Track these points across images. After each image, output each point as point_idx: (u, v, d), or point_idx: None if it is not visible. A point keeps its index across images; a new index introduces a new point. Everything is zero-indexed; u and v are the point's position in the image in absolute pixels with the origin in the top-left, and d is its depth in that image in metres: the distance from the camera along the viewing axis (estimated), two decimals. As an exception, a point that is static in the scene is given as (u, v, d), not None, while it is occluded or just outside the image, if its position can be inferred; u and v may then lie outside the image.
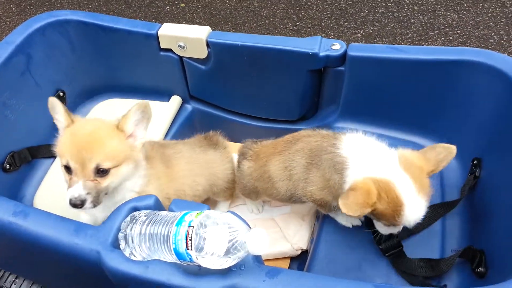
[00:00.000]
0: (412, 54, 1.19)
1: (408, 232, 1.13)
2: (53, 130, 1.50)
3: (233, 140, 1.66)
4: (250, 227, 0.82)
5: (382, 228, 1.01)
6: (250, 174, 1.24)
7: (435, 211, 1.15)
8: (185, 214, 0.84)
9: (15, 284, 1.22)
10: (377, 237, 1.10)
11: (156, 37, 1.36)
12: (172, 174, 1.17)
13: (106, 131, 0.98)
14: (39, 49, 1.36)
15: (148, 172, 1.08)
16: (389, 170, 0.94)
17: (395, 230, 1.01)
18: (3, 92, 1.27)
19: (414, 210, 0.93)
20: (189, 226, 0.80)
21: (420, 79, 1.22)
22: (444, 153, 0.98)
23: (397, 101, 1.29)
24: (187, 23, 2.60)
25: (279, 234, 1.35)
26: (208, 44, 1.35)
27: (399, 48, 1.20)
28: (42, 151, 1.40)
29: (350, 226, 1.17)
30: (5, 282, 1.23)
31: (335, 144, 1.02)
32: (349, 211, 0.88)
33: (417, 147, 1.31)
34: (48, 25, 1.38)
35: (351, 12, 2.60)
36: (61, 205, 1.27)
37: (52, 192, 1.32)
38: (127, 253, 0.87)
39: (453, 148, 0.98)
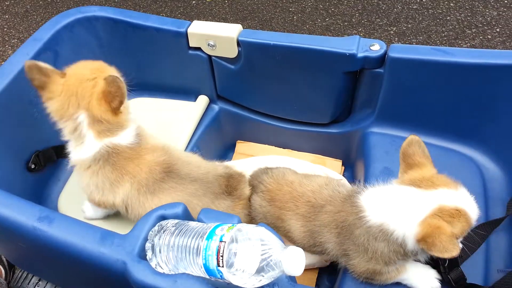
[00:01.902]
0: (460, 57, 1.10)
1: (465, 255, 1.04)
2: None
3: (261, 142, 1.61)
4: (284, 244, 0.77)
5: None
6: (263, 214, 1.13)
7: (485, 229, 1.07)
8: (216, 227, 0.79)
9: (38, 286, 1.21)
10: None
11: (185, 35, 1.32)
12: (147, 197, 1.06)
13: None
14: (66, 46, 1.33)
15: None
16: (422, 199, 0.85)
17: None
18: (29, 90, 1.24)
19: (473, 206, 0.85)
20: (221, 241, 0.75)
21: (467, 84, 1.14)
22: (420, 145, 0.92)
23: (439, 106, 1.21)
24: (214, 18, 2.55)
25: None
26: (239, 43, 1.29)
27: (444, 50, 1.12)
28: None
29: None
30: (28, 283, 1.21)
31: (360, 217, 0.92)
32: (450, 251, 0.78)
33: (459, 155, 1.24)
34: (76, 22, 1.35)
35: (383, 8, 2.50)
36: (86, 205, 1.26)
37: (77, 192, 1.30)
38: (153, 264, 0.83)
39: (414, 137, 0.92)
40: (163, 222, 0.87)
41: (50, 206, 1.31)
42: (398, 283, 0.99)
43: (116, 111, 1.00)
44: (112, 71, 1.05)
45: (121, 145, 1.02)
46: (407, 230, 0.85)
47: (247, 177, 1.23)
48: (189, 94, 1.50)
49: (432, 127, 1.26)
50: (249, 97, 1.47)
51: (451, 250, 0.78)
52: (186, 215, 0.90)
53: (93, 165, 1.03)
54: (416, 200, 0.86)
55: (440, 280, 0.99)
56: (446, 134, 1.25)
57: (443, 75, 1.14)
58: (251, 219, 1.19)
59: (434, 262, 1.00)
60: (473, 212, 0.85)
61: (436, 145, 1.25)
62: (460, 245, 0.85)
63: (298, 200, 1.06)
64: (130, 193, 1.04)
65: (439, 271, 1.00)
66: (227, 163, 1.28)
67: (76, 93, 0.99)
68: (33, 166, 1.27)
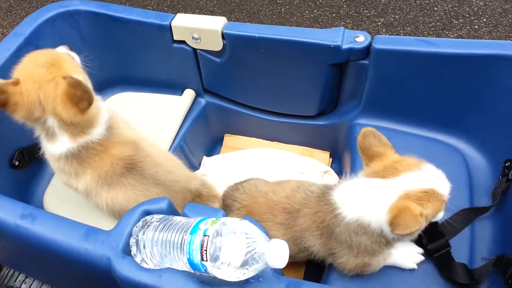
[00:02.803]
0: (444, 48, 1.10)
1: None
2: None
3: (249, 135, 1.60)
4: (269, 237, 0.77)
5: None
6: None
7: (467, 215, 1.08)
8: (200, 221, 0.79)
9: (25, 283, 1.20)
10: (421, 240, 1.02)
11: (169, 28, 1.30)
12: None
13: None
14: (48, 40, 1.31)
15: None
16: (388, 188, 0.86)
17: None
18: (11, 86, 1.23)
19: (440, 182, 0.86)
20: (204, 235, 0.75)
21: (452, 74, 1.14)
22: (376, 135, 0.92)
23: (425, 97, 1.21)
24: (201, 11, 2.53)
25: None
26: (223, 36, 1.28)
27: (429, 41, 1.12)
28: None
29: (416, 266, 1.03)
30: (15, 281, 1.20)
31: (336, 215, 0.92)
32: (410, 227, 0.79)
33: (444, 145, 1.25)
34: (58, 16, 1.33)
35: (371, -1, 2.49)
36: (71, 202, 1.25)
37: (63, 188, 1.28)
38: (138, 259, 0.83)
39: (366, 129, 0.92)
40: (148, 217, 0.87)
41: (35, 203, 1.30)
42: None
43: (84, 111, 0.97)
44: (66, 60, 1.00)
45: (91, 141, 1.02)
46: (381, 219, 0.86)
47: (219, 198, 1.21)
48: (175, 88, 1.49)
49: (417, 118, 1.26)
50: (236, 90, 1.46)
51: (411, 226, 0.79)
52: (171, 210, 0.89)
53: (63, 159, 1.02)
54: (382, 190, 0.87)
55: (423, 254, 1.02)
56: (431, 124, 1.26)
57: (428, 66, 1.14)
58: None
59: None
60: (441, 187, 0.85)
61: (422, 135, 1.26)
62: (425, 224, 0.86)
63: (274, 209, 1.04)
64: (90, 183, 1.04)
65: (422, 246, 1.03)
66: (208, 181, 1.25)
67: (38, 98, 0.94)
68: (17, 163, 1.25)
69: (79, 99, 0.94)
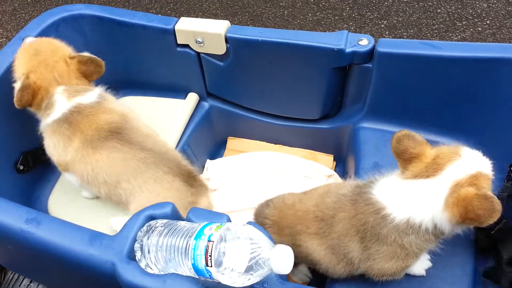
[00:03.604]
0: (448, 51, 1.10)
1: None
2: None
3: (253, 138, 1.60)
4: (274, 243, 0.77)
5: None
6: None
7: None
8: (204, 226, 0.79)
9: (29, 288, 1.21)
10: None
11: (172, 32, 1.30)
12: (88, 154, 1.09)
13: None
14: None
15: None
16: (436, 186, 0.85)
17: None
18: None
19: (482, 162, 0.86)
20: (209, 241, 0.75)
21: (455, 77, 1.14)
22: (410, 137, 0.90)
23: (429, 100, 1.21)
24: (204, 14, 2.53)
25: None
26: (227, 40, 1.29)
27: (433, 44, 1.12)
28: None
29: (424, 272, 1.03)
30: (19, 286, 1.21)
31: (383, 216, 0.89)
32: (492, 209, 0.76)
33: (448, 149, 1.24)
34: (62, 20, 1.33)
35: (374, 1, 2.49)
36: (76, 206, 1.25)
37: (67, 192, 1.29)
38: (142, 264, 0.83)
39: (401, 133, 0.90)
40: (152, 222, 0.87)
41: (40, 208, 1.30)
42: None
43: (91, 81, 1.13)
44: (56, 43, 1.15)
45: (83, 104, 1.09)
46: (437, 219, 0.84)
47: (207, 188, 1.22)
48: (179, 91, 1.49)
49: (421, 121, 1.26)
50: (239, 94, 1.46)
51: (492, 208, 0.76)
52: (175, 215, 0.89)
53: (56, 125, 1.08)
54: (431, 189, 0.85)
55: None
56: (435, 127, 1.25)
57: (432, 69, 1.14)
58: None
59: None
60: (485, 167, 0.85)
61: (426, 138, 1.23)
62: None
63: (304, 220, 1.01)
64: (77, 150, 1.08)
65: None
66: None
67: (54, 78, 1.09)
68: (21, 167, 1.26)
69: (92, 73, 1.12)
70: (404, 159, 0.90)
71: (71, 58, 1.11)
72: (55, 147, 1.10)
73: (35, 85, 1.07)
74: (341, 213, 0.95)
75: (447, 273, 1.03)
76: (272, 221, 1.07)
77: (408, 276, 1.03)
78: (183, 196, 1.11)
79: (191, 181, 1.14)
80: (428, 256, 1.04)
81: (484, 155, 1.17)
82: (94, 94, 1.12)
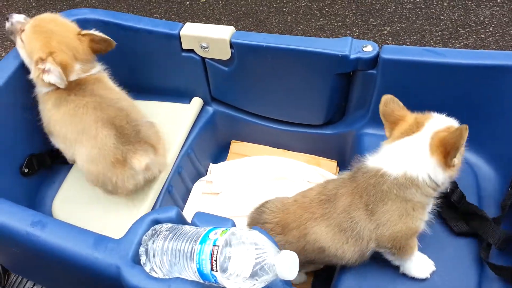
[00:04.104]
0: (451, 58, 1.11)
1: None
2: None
3: (256, 142, 1.61)
4: (279, 249, 0.77)
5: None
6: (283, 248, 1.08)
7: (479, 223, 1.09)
8: (210, 231, 0.79)
9: (33, 291, 1.21)
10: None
11: (178, 37, 1.31)
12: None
13: None
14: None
15: None
16: (420, 139, 0.95)
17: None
18: (21, 93, 1.24)
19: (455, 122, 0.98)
20: (214, 245, 0.75)
21: (459, 84, 1.14)
22: (395, 101, 1.02)
23: (433, 107, 1.20)
24: (208, 19, 2.55)
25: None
26: (231, 45, 1.29)
27: (436, 51, 1.13)
28: (63, 156, 1.36)
29: (428, 276, 1.04)
30: (23, 288, 1.21)
31: (382, 174, 0.96)
32: (461, 136, 0.86)
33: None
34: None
35: (377, 8, 2.50)
36: (81, 209, 1.25)
37: (71, 196, 1.30)
38: (147, 268, 0.83)
39: (385, 97, 1.02)
40: (157, 226, 0.87)
41: (44, 210, 1.31)
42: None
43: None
44: (61, 19, 1.22)
45: (89, 74, 1.20)
46: (428, 168, 0.93)
47: (158, 149, 1.22)
48: (183, 96, 1.50)
49: (425, 128, 1.26)
50: (243, 98, 1.47)
51: (460, 130, 0.86)
52: (180, 219, 0.90)
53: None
54: (417, 143, 0.94)
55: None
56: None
57: (435, 76, 1.15)
58: None
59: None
60: (453, 122, 0.97)
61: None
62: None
63: (310, 207, 1.03)
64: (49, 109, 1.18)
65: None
66: (158, 141, 1.25)
67: (74, 55, 1.16)
68: (26, 170, 1.26)
69: (102, 50, 1.21)
70: (390, 121, 1.01)
71: (83, 35, 1.18)
72: (49, 112, 1.19)
73: (63, 64, 1.12)
74: (342, 189, 1.01)
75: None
76: (273, 223, 1.08)
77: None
78: (108, 153, 1.13)
79: (130, 139, 1.15)
80: (431, 262, 1.05)
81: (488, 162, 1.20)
82: (96, 69, 1.23)
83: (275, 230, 1.07)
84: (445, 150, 0.90)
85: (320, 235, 1.00)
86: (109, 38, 1.22)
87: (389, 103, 1.01)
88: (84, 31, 1.20)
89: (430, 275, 1.03)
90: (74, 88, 1.16)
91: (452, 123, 0.97)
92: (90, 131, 1.13)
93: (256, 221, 1.12)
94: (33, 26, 1.15)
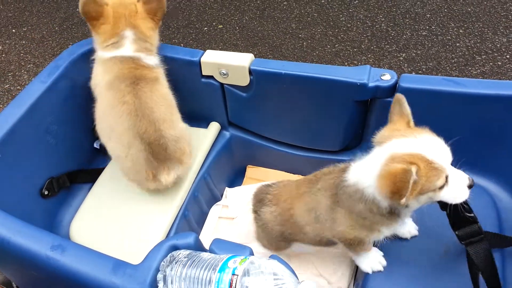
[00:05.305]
0: (471, 88, 1.10)
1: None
2: (93, 154, 1.51)
3: (272, 167, 1.61)
4: (298, 279, 0.76)
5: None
6: (274, 220, 1.17)
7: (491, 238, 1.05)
8: (228, 259, 0.79)
9: (49, 314, 1.20)
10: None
11: (198, 64, 1.34)
12: None
13: None
14: (82, 74, 1.36)
15: None
16: (381, 154, 0.88)
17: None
18: (46, 117, 1.28)
19: (434, 150, 0.85)
20: (233, 274, 0.75)
21: (478, 114, 1.14)
22: (397, 105, 0.94)
23: (451, 136, 1.20)
24: (225, 44, 2.60)
25: (313, 271, 1.28)
26: (250, 72, 1.32)
27: (456, 81, 1.13)
28: (81, 177, 1.39)
29: (371, 271, 1.09)
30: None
31: (345, 176, 0.97)
32: (401, 187, 0.79)
33: (472, 185, 1.23)
34: (90, 51, 1.38)
35: (392, 34, 2.52)
36: (98, 233, 1.26)
37: (89, 218, 1.31)
38: (165, 295, 0.83)
39: (397, 96, 0.93)
40: (175, 253, 0.87)
41: (62, 232, 1.32)
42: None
43: (158, 23, 1.27)
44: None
45: (139, 58, 1.23)
46: (372, 185, 0.88)
47: (182, 168, 1.28)
48: (201, 121, 1.52)
49: (444, 157, 1.25)
50: (260, 124, 1.48)
51: (401, 187, 0.78)
52: (198, 246, 0.90)
53: (108, 61, 1.22)
54: (375, 156, 0.90)
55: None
56: (458, 163, 1.24)
57: (454, 105, 1.14)
58: (263, 235, 1.26)
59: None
60: (434, 154, 0.84)
61: (449, 174, 1.24)
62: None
63: (300, 185, 1.12)
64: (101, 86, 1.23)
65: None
66: (185, 145, 1.29)
67: (124, 15, 1.21)
68: (46, 192, 1.28)
69: (155, 10, 1.24)
70: (389, 122, 0.96)
71: (138, 1, 1.24)
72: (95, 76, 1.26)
73: (107, 11, 1.20)
74: (326, 176, 1.05)
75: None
76: (273, 195, 1.18)
77: None
78: (141, 168, 1.20)
79: (159, 156, 1.20)
80: (382, 260, 1.09)
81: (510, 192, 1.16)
82: (154, 59, 1.28)
83: (272, 201, 1.18)
84: (391, 191, 0.81)
85: (297, 210, 1.09)
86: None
87: (394, 103, 0.94)
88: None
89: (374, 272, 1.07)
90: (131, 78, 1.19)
91: (420, 150, 0.84)
92: (123, 137, 1.18)
93: (262, 191, 1.23)
94: None
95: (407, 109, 0.93)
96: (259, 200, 1.22)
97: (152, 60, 1.25)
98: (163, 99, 1.23)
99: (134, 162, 1.19)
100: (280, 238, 1.21)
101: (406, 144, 0.85)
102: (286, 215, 1.14)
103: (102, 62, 1.23)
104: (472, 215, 1.00)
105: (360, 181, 0.92)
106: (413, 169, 0.80)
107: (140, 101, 1.17)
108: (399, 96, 0.93)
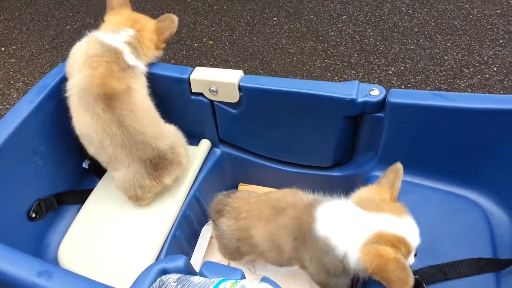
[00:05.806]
0: (459, 102, 1.11)
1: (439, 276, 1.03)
2: (81, 174, 1.48)
3: (264, 184, 1.60)
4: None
5: None
6: (232, 234, 1.18)
7: (478, 264, 1.04)
8: (219, 283, 0.77)
9: None
10: None
11: (187, 81, 1.34)
12: None
13: None
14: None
15: None
16: (367, 223, 0.89)
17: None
18: (34, 137, 1.26)
19: (413, 235, 0.89)
20: (224, 298, 0.73)
21: (467, 128, 1.14)
22: (393, 174, 0.96)
23: (441, 150, 1.21)
24: (215, 60, 2.60)
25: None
26: (240, 88, 1.31)
27: (444, 95, 1.13)
28: (70, 198, 1.36)
29: None
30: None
31: (313, 226, 0.97)
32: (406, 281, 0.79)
33: (463, 199, 1.23)
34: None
35: (381, 48, 2.55)
36: (87, 256, 1.24)
37: (78, 241, 1.28)
38: (154, 321, 0.81)
39: (398, 165, 0.98)
40: (164, 277, 0.85)
41: (50, 255, 1.29)
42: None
43: (163, 42, 1.33)
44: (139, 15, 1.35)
45: (133, 65, 1.25)
46: (349, 250, 0.89)
47: (182, 168, 1.30)
48: (191, 138, 1.50)
49: (435, 171, 1.25)
50: (251, 140, 1.47)
51: (407, 280, 0.78)
52: (188, 269, 0.88)
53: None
54: (358, 221, 0.90)
55: None
56: (450, 178, 1.24)
57: (443, 119, 1.15)
58: (220, 243, 1.27)
59: None
60: (413, 239, 0.88)
61: (441, 189, 1.24)
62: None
63: (262, 207, 1.12)
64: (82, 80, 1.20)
65: None
66: (179, 147, 1.29)
67: (136, 19, 1.30)
68: (33, 215, 1.25)
69: (164, 28, 1.30)
70: (377, 181, 1.01)
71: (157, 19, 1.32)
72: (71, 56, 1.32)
73: (127, 11, 1.32)
74: (291, 211, 1.05)
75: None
76: (232, 207, 1.19)
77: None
78: (142, 178, 1.21)
79: (159, 166, 1.22)
80: None
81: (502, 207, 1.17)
82: (142, 68, 1.30)
83: (231, 214, 1.19)
84: (377, 271, 0.83)
85: (257, 234, 1.10)
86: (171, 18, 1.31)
87: (391, 171, 0.98)
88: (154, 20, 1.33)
89: None
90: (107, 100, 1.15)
91: (405, 234, 0.87)
92: (123, 161, 1.18)
93: (220, 202, 1.25)
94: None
95: (399, 183, 0.96)
96: (218, 211, 1.24)
97: (134, 61, 1.24)
98: (144, 112, 1.21)
99: (135, 174, 1.20)
100: (235, 251, 1.21)
101: (392, 224, 0.88)
102: (245, 234, 1.14)
103: (88, 42, 1.26)
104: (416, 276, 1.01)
105: (331, 238, 0.92)
106: (401, 256, 0.83)
107: (128, 130, 1.14)
108: (399, 167, 0.97)
